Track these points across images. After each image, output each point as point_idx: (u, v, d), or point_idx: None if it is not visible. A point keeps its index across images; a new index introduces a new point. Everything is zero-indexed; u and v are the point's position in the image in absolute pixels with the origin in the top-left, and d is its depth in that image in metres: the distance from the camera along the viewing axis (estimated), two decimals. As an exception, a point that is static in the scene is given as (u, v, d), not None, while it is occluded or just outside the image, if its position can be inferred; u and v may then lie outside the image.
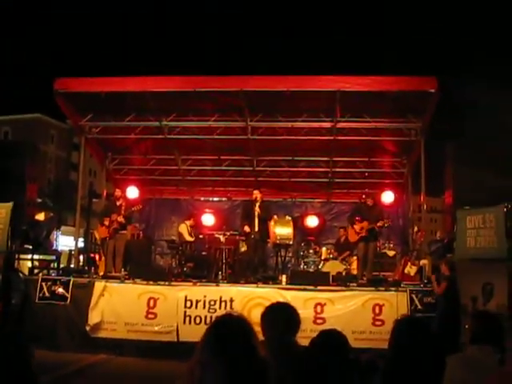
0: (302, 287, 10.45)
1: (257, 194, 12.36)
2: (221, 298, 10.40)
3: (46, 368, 8.04)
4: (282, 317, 3.52)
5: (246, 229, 12.17)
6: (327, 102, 12.55)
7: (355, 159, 15.02)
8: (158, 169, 15.98)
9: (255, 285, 10.69)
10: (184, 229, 14.13)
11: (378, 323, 9.98)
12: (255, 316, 3.27)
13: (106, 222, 12.36)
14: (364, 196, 12.52)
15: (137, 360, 9.99)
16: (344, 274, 12.29)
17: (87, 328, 10.49)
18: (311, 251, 14.06)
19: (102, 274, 11.98)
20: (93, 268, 12.30)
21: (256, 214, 12.15)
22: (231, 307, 10.22)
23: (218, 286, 10.79)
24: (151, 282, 10.76)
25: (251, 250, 12.16)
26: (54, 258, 12.87)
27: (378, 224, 11.97)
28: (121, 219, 12.26)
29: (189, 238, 13.98)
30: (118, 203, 12.63)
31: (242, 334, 2.30)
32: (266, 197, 13.24)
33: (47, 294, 10.80)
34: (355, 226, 12.22)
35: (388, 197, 14.97)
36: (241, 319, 2.39)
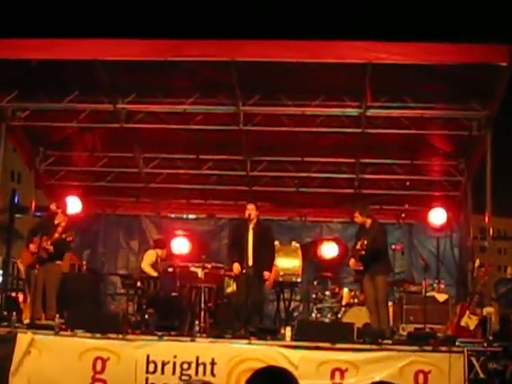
0: (313, 345, 10.25)
1: (251, 209, 12.22)
2: (198, 360, 10.21)
3: None
4: None
5: (236, 268, 12.15)
6: (353, 80, 12.66)
7: (392, 162, 15.11)
8: (110, 172, 15.98)
9: (247, 340, 10.51)
10: (150, 257, 14.26)
11: (422, 399, 9.87)
12: (247, 387, 3.32)
13: (33, 246, 12.34)
14: (356, 214, 12.42)
15: None
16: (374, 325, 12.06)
17: (7, 404, 10.38)
18: (327, 293, 14.10)
19: (27, 321, 11.77)
20: (15, 313, 11.85)
21: (250, 238, 12.09)
22: (212, 373, 10.09)
23: (193, 341, 10.68)
24: (98, 335, 10.61)
25: (242, 290, 12.05)
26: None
27: (357, 247, 11.96)
28: (48, 246, 12.21)
29: (151, 272, 14.01)
30: (55, 221, 12.59)
31: None
32: (264, 214, 13.22)
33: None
34: (350, 261, 12.41)
35: (438, 216, 15.05)
36: None
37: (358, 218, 12.39)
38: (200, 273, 13.56)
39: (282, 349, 10.30)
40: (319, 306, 13.94)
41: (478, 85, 12.46)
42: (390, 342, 10.85)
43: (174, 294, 13.63)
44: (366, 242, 11.70)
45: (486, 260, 13.92)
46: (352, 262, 12.25)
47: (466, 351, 10.02)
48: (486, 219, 13.15)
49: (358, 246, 11.91)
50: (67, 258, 13.63)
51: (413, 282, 14.75)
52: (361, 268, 12.09)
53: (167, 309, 13.10)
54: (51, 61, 12.50)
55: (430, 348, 10.21)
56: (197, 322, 12.61)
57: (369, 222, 12.21)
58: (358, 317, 12.77)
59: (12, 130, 14.55)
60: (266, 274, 12.18)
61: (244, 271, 12.00)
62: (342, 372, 10.04)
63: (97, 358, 10.39)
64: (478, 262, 14.18)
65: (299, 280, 14.39)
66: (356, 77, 12.51)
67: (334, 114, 13.66)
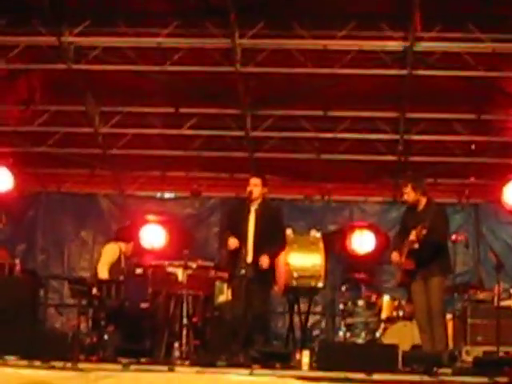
0: (341, 376, 9.42)
1: (255, 184, 11.60)
2: (178, 398, 9.99)
3: None
4: None
5: (233, 243, 11.37)
6: (396, 0, 12.33)
7: (450, 116, 14.60)
8: (53, 133, 15.44)
9: (248, 370, 9.64)
10: (110, 254, 13.46)
11: None
12: None
13: None
14: (407, 189, 11.56)
15: None
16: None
17: None
18: (361, 303, 13.63)
19: None
20: None
21: (251, 225, 11.47)
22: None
23: (172, 371, 9.83)
24: (38, 363, 9.85)
25: (240, 299, 11.31)
26: None
27: (411, 237, 11.28)
28: None
29: (103, 275, 13.19)
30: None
31: None
32: (271, 192, 12.54)
33: None
34: (393, 255, 11.68)
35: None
36: None
37: (410, 195, 11.61)
38: (181, 275, 12.92)
39: (296, 381, 9.44)
40: (349, 321, 13.39)
41: None
42: (449, 371, 10.08)
43: (144, 304, 12.69)
44: (424, 232, 10.92)
45: None
46: (395, 256, 11.51)
47: (557, 386, 9.67)
48: None
49: (413, 237, 11.16)
50: (-7, 257, 13.71)
51: (481, 286, 13.99)
52: (411, 267, 11.28)
53: (135, 326, 12.53)
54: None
55: (505, 379, 9.36)
56: (177, 345, 12.10)
57: (423, 201, 11.52)
58: (404, 336, 12.58)
59: None
60: (264, 260, 11.24)
61: (243, 271, 11.22)
62: (383, 414, 9.84)
63: (37, 396, 9.93)
64: None
65: (321, 285, 13.61)
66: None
67: (369, 49, 13.14)
